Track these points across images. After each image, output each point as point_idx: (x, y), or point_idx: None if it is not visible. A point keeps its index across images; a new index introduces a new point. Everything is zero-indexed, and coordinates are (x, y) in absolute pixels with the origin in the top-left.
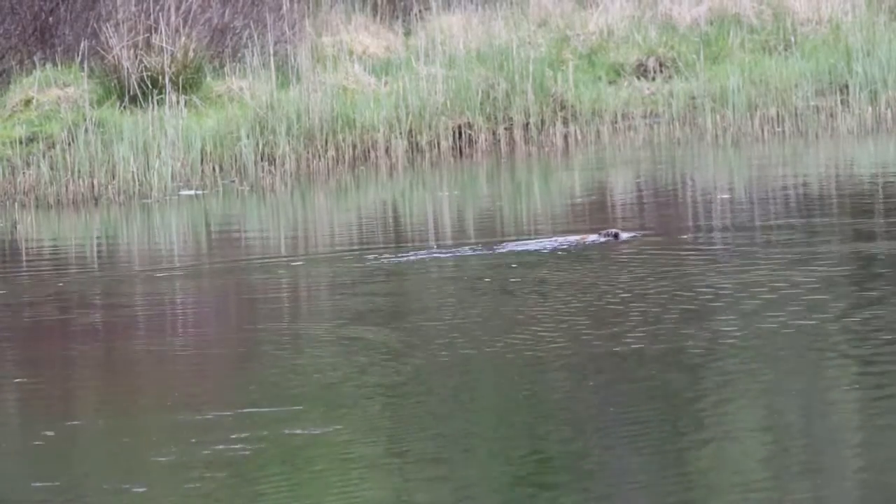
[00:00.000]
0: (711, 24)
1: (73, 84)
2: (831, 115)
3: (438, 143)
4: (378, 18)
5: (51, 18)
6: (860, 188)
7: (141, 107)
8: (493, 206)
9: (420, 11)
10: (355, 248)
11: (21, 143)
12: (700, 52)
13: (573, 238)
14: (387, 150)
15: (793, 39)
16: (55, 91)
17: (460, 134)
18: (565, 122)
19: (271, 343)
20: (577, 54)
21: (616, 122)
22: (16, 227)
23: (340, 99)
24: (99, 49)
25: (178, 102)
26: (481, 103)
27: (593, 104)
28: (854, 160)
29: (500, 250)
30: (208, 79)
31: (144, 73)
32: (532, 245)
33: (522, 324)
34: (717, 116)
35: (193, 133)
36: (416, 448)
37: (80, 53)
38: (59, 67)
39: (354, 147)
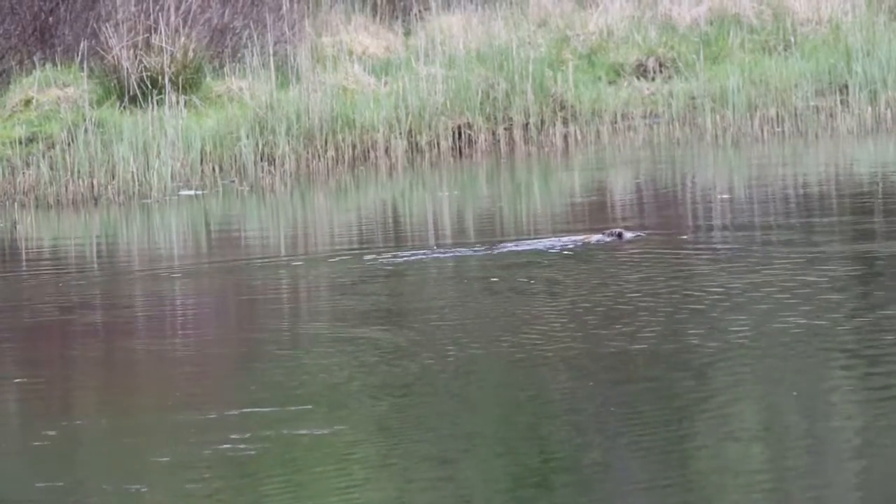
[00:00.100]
0: (711, 24)
1: (72, 84)
2: (831, 115)
3: (438, 144)
4: (378, 18)
5: (51, 18)
6: (861, 188)
7: (141, 107)
8: (493, 206)
9: (420, 11)
10: (355, 248)
11: (21, 143)
12: (700, 53)
13: (577, 238)
14: (386, 150)
15: (793, 39)
16: (55, 91)
17: (460, 134)
18: (565, 123)
19: (272, 343)
20: (577, 54)
21: (616, 123)
22: (16, 227)
23: (340, 99)
24: (99, 49)
25: (177, 102)
26: (481, 103)
27: (593, 104)
28: (854, 160)
29: (504, 250)
30: (208, 79)
31: (144, 73)
32: (536, 245)
33: (526, 324)
34: (717, 116)
35: (193, 133)
36: (418, 448)
37: (79, 53)
38: (59, 67)
39: (354, 147)
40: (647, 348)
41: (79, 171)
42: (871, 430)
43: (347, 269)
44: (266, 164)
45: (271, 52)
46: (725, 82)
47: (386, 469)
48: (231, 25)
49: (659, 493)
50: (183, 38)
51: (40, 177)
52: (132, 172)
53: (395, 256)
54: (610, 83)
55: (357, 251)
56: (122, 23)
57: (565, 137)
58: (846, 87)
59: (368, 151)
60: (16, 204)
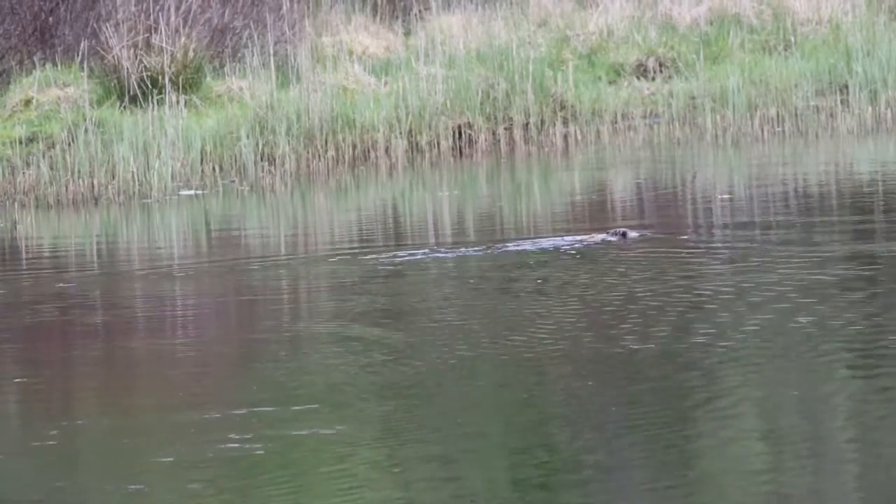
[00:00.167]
0: (711, 24)
1: (72, 84)
2: (831, 115)
3: (438, 143)
4: (378, 18)
5: (51, 18)
6: (862, 188)
7: (141, 107)
8: (493, 206)
9: (420, 11)
10: (355, 247)
11: (21, 143)
12: (700, 52)
13: (581, 237)
14: (387, 150)
15: (793, 39)
16: (55, 91)
17: (460, 134)
18: (565, 122)
19: (273, 343)
20: (577, 54)
21: (616, 122)
22: (16, 227)
23: (340, 99)
24: (99, 49)
25: (177, 102)
26: (481, 103)
27: (593, 104)
28: (854, 160)
29: (507, 250)
30: (208, 79)
31: (144, 73)
32: (540, 245)
33: (529, 323)
34: (717, 116)
35: (193, 133)
36: (420, 448)
37: (79, 53)
38: (59, 67)
39: (354, 147)
40: (650, 348)
41: (79, 171)
42: (874, 431)
43: (348, 269)
44: (266, 164)
45: (271, 52)
46: (725, 82)
47: (388, 469)
48: (231, 25)
49: (661, 493)
50: (183, 38)
51: (40, 177)
52: (132, 172)
53: (395, 256)
54: (610, 83)
55: (357, 251)
56: (123, 23)
57: (565, 137)
58: (846, 87)
59: (368, 151)
60: (16, 204)
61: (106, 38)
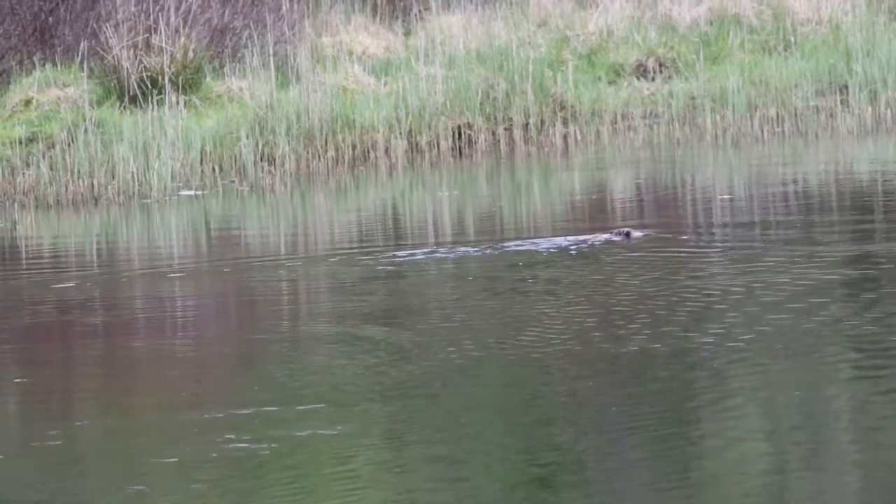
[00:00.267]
0: (711, 24)
1: (72, 84)
2: (831, 115)
3: (438, 144)
4: (378, 19)
5: (51, 18)
6: (862, 188)
7: (141, 107)
8: (493, 206)
9: (420, 11)
10: (355, 248)
11: (21, 143)
12: (700, 53)
13: (585, 237)
14: (386, 151)
15: (793, 39)
16: (55, 91)
17: (460, 134)
18: (565, 123)
19: (274, 343)
20: (577, 54)
21: (616, 123)
22: (16, 227)
23: (340, 99)
24: (99, 49)
25: (177, 102)
26: (481, 103)
27: (593, 104)
28: (854, 160)
29: (511, 250)
30: (208, 79)
31: (144, 74)
32: (544, 244)
33: (532, 324)
34: (717, 116)
35: (193, 133)
36: (422, 449)
37: (79, 53)
38: (59, 67)
39: (354, 147)
40: (653, 349)
41: (79, 171)
42: (877, 432)
43: (348, 269)
44: (266, 164)
45: (271, 52)
46: (725, 82)
47: (392, 470)
48: (231, 25)
49: (661, 493)
50: (183, 38)
51: (40, 177)
52: (132, 172)
53: (396, 256)
54: (610, 83)
55: (357, 251)
56: (122, 23)
57: (565, 137)
58: (846, 87)
59: (368, 151)
60: (16, 204)
61: (106, 38)
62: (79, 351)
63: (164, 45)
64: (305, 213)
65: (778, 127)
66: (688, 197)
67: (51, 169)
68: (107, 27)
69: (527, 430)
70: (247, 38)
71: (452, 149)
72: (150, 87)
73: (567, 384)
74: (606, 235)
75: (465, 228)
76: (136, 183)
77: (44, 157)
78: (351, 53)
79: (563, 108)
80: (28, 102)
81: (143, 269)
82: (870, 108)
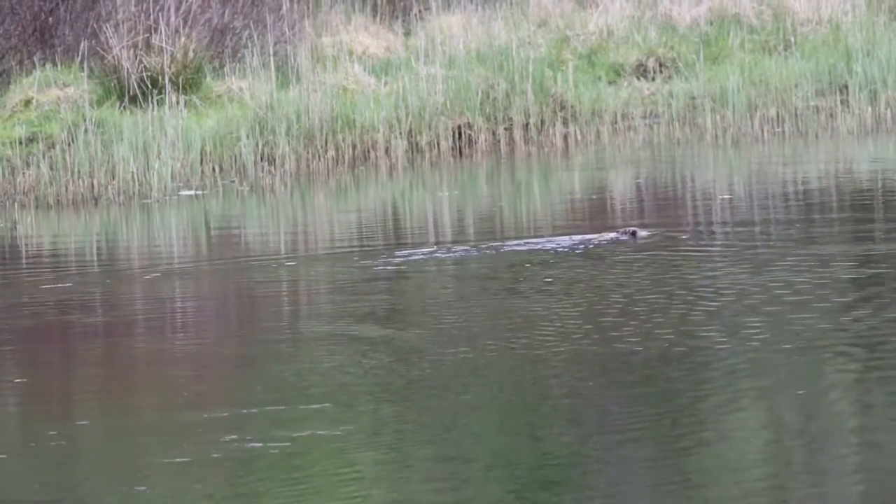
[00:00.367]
0: (711, 24)
1: (72, 84)
2: (831, 116)
3: (438, 144)
4: (378, 19)
5: (51, 18)
6: (864, 188)
7: (141, 107)
8: (493, 206)
9: (420, 11)
10: (355, 248)
11: (21, 143)
12: (700, 53)
13: (591, 237)
14: (387, 151)
15: (793, 39)
16: (55, 91)
17: (460, 134)
18: (565, 123)
19: (276, 343)
20: (577, 54)
21: (616, 123)
22: (16, 227)
23: (340, 99)
24: (99, 49)
25: (177, 102)
26: (481, 103)
27: (593, 104)
28: (854, 160)
29: (516, 249)
30: (208, 79)
31: (144, 74)
32: (549, 244)
33: (537, 323)
34: (717, 116)
35: (193, 133)
36: (424, 449)
37: (79, 53)
38: (59, 67)
39: (354, 147)
40: (654, 349)
41: (79, 171)
42: (876, 432)
43: (349, 269)
44: (266, 164)
45: (271, 52)
46: (725, 82)
47: (393, 470)
48: (231, 25)
49: (661, 493)
50: (183, 38)
51: (40, 177)
52: (132, 172)
53: (397, 256)
54: (610, 83)
55: (358, 251)
56: (122, 23)
57: (565, 137)
58: (846, 87)
59: (368, 151)
60: (16, 204)
61: (106, 38)
62: (79, 351)
63: (164, 45)
64: (305, 213)
65: (778, 127)
66: (688, 197)
67: (51, 169)
68: (107, 27)
69: (529, 430)
70: (247, 38)
71: (452, 149)
72: (150, 87)
73: (570, 384)
74: (612, 235)
75: (465, 228)
76: (136, 183)
77: (44, 157)
78: (351, 53)
79: (563, 108)
80: (28, 102)
81: (143, 269)
82: (870, 108)
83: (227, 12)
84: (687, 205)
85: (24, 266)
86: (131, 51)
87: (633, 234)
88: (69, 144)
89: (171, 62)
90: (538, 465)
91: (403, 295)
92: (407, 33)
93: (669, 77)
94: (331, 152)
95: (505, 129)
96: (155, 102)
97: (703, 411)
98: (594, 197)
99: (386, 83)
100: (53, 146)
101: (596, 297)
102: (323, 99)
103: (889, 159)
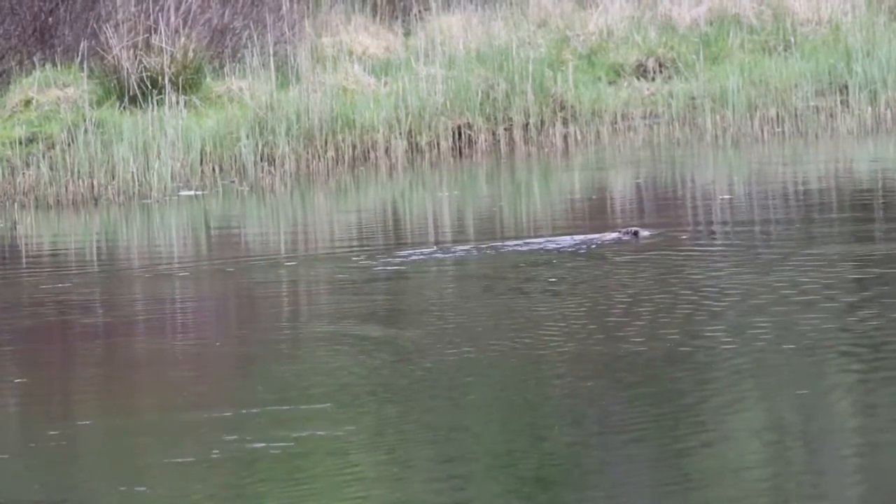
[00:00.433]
0: (711, 24)
1: (72, 84)
2: (831, 116)
3: (438, 144)
4: (378, 19)
5: (51, 19)
6: (864, 188)
7: (141, 107)
8: (493, 206)
9: (420, 12)
10: (356, 248)
11: (21, 143)
12: (700, 53)
13: (593, 236)
14: (386, 151)
15: (793, 40)
16: (55, 91)
17: (460, 134)
18: (565, 123)
19: (277, 343)
20: (577, 55)
21: (616, 123)
22: (16, 228)
23: (340, 99)
24: (99, 49)
25: (177, 103)
26: (481, 104)
27: (593, 104)
28: (854, 160)
29: (517, 250)
30: (208, 79)
31: (144, 74)
32: (551, 244)
33: (538, 323)
34: (717, 117)
35: (193, 133)
36: (424, 449)
37: (79, 54)
38: (59, 68)
39: (354, 147)
40: (658, 349)
41: (79, 172)
42: (876, 432)
43: (350, 269)
44: (266, 164)
45: (271, 52)
46: (725, 82)
47: (392, 470)
48: (231, 25)
49: (662, 493)
50: (183, 39)
51: (40, 177)
52: (132, 172)
53: (397, 257)
54: (610, 83)
55: (358, 251)
56: (122, 23)
57: (565, 138)
58: (846, 87)
59: (368, 151)
60: (16, 204)
61: (106, 38)
62: (79, 351)
63: (164, 45)
64: (305, 213)
65: (778, 127)
66: (688, 197)
67: (51, 169)
68: (107, 27)
69: (531, 430)
70: (247, 39)
71: (452, 149)
72: (150, 87)
73: (572, 384)
74: (615, 235)
75: (465, 229)
76: (136, 183)
77: (44, 157)
78: (351, 53)
79: (563, 108)
80: (28, 102)
81: (143, 269)
82: (870, 109)
83: (227, 12)
84: (687, 205)
85: (24, 266)
86: (131, 51)
87: (636, 234)
88: (69, 144)
89: (171, 62)
90: (540, 466)
91: (404, 295)
92: (407, 33)
93: (669, 77)
94: (331, 152)
95: (505, 129)
96: (155, 102)
97: (705, 411)
98: (594, 197)
99: (386, 83)
100: (53, 146)
101: (599, 297)
102: (323, 99)
103: (889, 159)
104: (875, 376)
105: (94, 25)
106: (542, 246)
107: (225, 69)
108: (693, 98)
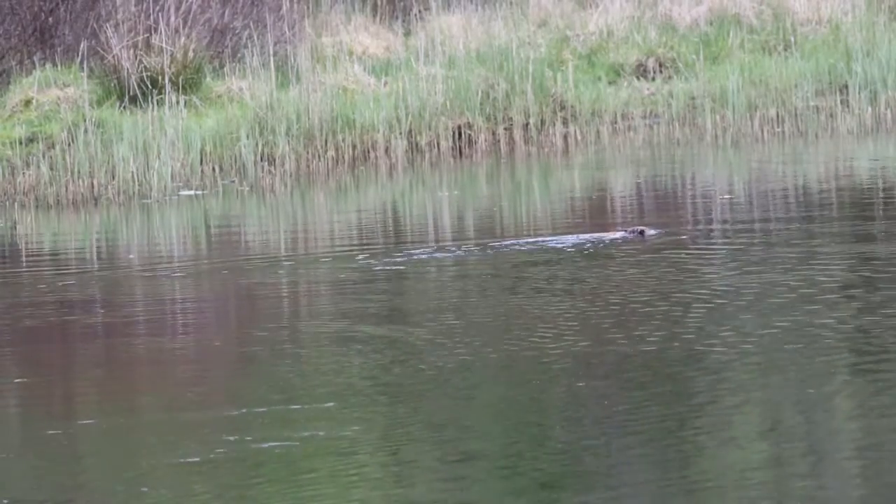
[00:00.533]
0: (711, 24)
1: (72, 84)
2: (831, 116)
3: (438, 144)
4: (378, 19)
5: (51, 19)
6: (866, 188)
7: (141, 107)
8: (494, 206)
9: (420, 12)
10: (356, 248)
11: (21, 143)
12: (700, 53)
13: (598, 235)
14: (386, 151)
15: (793, 40)
16: (55, 91)
17: (460, 134)
18: (565, 123)
19: (279, 343)
20: (577, 54)
21: (616, 123)
22: (16, 227)
23: (340, 99)
24: (99, 49)
25: (177, 103)
26: (481, 103)
27: (593, 104)
28: (854, 160)
29: (523, 248)
30: (208, 79)
31: (144, 74)
32: (556, 243)
33: (541, 323)
34: (717, 117)
35: (193, 133)
36: (425, 449)
37: (79, 54)
38: (59, 68)
39: (354, 147)
40: (657, 349)
41: (79, 171)
42: (876, 433)
43: (350, 269)
44: (266, 164)
45: (271, 52)
46: (725, 82)
47: (393, 469)
48: (231, 25)
49: (661, 493)
50: (183, 39)
51: (40, 177)
52: (132, 172)
53: (398, 256)
54: (610, 83)
55: (358, 251)
56: (122, 23)
57: (565, 137)
58: (846, 87)
59: (368, 151)
60: (16, 204)
61: (106, 38)
62: (80, 351)
63: (164, 45)
64: (305, 213)
65: (778, 127)
66: (689, 197)
67: (51, 169)
68: (107, 27)
69: (530, 430)
70: (247, 38)
71: (452, 149)
72: (150, 87)
73: (578, 385)
74: (620, 234)
75: (466, 229)
76: (136, 183)
77: (44, 157)
78: (351, 53)
79: (563, 108)
80: (28, 102)
81: (143, 269)
82: (870, 108)
83: (227, 12)
84: (687, 205)
85: (24, 266)
86: (131, 51)
87: (641, 233)
88: (69, 144)
89: (171, 62)
90: (545, 466)
91: (404, 295)
92: (407, 33)
93: (669, 77)
94: (331, 152)
95: (505, 129)
96: (155, 102)
97: (711, 412)
98: (594, 197)
99: (386, 83)
100: (53, 146)
101: (608, 296)
102: (323, 99)
103: (889, 159)
104: (884, 377)
105: (94, 25)
106: (547, 245)
107: (225, 69)
108: (693, 98)
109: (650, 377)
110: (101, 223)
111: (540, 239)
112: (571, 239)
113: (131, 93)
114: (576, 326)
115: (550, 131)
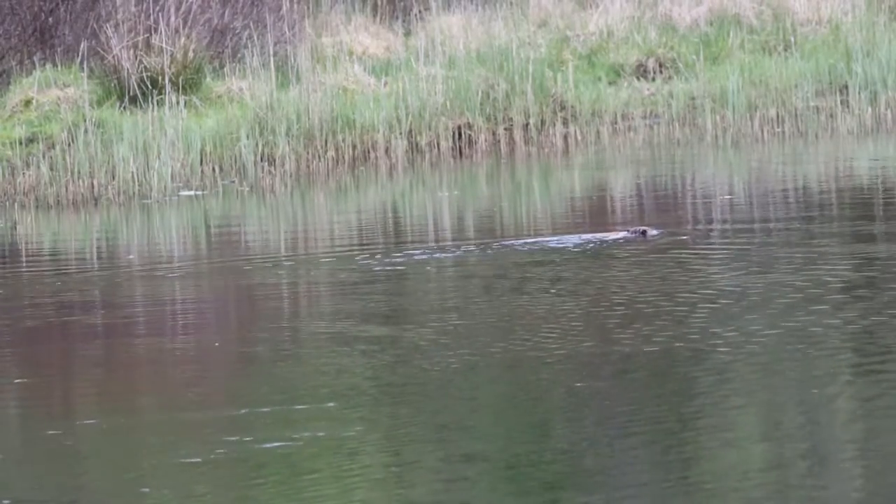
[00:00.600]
0: (711, 24)
1: (72, 84)
2: (831, 116)
3: (438, 144)
4: (378, 19)
5: (51, 19)
6: (867, 189)
7: (141, 107)
8: (494, 206)
9: (420, 12)
10: (356, 248)
11: (21, 143)
12: (700, 53)
13: (601, 235)
14: (387, 151)
15: (793, 40)
16: (55, 91)
17: (460, 134)
18: (565, 123)
19: (279, 343)
20: (577, 55)
21: (616, 123)
22: (16, 228)
23: (340, 99)
24: (99, 49)
25: (177, 103)
26: (481, 104)
27: (593, 105)
28: (855, 160)
29: (525, 248)
30: (208, 79)
31: (144, 74)
32: (558, 243)
33: (543, 323)
34: (717, 117)
35: (193, 133)
36: (425, 449)
37: (79, 54)
38: (59, 68)
39: (354, 147)
40: (657, 349)
41: (79, 172)
42: (877, 433)
43: (350, 269)
44: (266, 164)
45: (271, 52)
46: (725, 83)
47: (394, 470)
48: (231, 26)
49: (664, 494)
50: (183, 39)
51: (40, 177)
52: (132, 173)
53: (398, 256)
54: (610, 83)
55: (358, 251)
56: (122, 23)
57: (565, 138)
58: (846, 87)
59: (368, 152)
60: (16, 204)
61: (106, 38)
62: (80, 351)
63: (164, 45)
64: (305, 213)
65: (778, 127)
66: (689, 197)
67: (51, 169)
68: (107, 27)
69: (530, 430)
70: (247, 39)
71: (452, 149)
72: (150, 87)
73: (572, 384)
74: (622, 234)
75: (466, 229)
76: (136, 183)
77: (44, 157)
78: (351, 53)
79: (563, 108)
80: (28, 102)
81: (144, 269)
82: (870, 109)
83: (227, 12)
84: (687, 205)
85: (24, 266)
86: (131, 51)
87: (643, 233)
88: (69, 145)
89: (171, 62)
90: (547, 467)
91: (405, 295)
92: (407, 33)
93: (669, 77)
94: (331, 152)
95: (505, 129)
96: (155, 103)
97: (712, 413)
98: (594, 197)
99: (386, 83)
100: (53, 146)
101: (604, 297)
102: (323, 99)
103: (889, 159)
104: (888, 378)
105: (95, 25)
106: (549, 245)
107: (225, 69)
108: (693, 98)
109: (654, 377)
110: (101, 223)
111: (541, 239)
112: (574, 239)
113: (131, 93)
114: (580, 327)
115: (550, 131)
